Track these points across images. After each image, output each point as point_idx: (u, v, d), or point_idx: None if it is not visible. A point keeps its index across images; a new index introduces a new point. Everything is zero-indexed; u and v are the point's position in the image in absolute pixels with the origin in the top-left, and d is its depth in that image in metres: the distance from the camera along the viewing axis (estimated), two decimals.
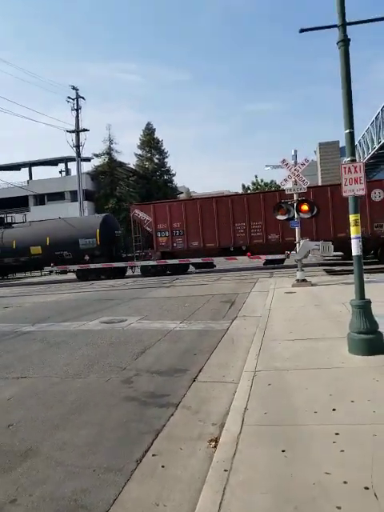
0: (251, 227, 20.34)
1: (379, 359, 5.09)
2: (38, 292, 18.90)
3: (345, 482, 2.72)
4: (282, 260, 19.94)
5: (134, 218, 22.38)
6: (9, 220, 28.56)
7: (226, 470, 2.98)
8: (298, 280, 12.88)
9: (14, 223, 27.72)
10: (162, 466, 3.29)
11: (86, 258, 22.64)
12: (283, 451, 3.17)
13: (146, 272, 22.29)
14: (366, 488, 2.63)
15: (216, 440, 3.63)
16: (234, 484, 2.81)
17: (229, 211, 20.62)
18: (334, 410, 3.84)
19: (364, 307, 5.43)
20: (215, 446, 3.51)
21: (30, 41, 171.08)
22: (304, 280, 12.81)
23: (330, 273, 16.61)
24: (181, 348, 6.86)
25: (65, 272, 24.22)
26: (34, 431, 3.99)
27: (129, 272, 23.77)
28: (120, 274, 23.29)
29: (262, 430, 3.58)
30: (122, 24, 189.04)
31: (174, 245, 21.43)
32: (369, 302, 5.49)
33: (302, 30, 6.77)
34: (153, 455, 3.47)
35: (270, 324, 7.68)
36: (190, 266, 22.71)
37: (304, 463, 3.00)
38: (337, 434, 3.37)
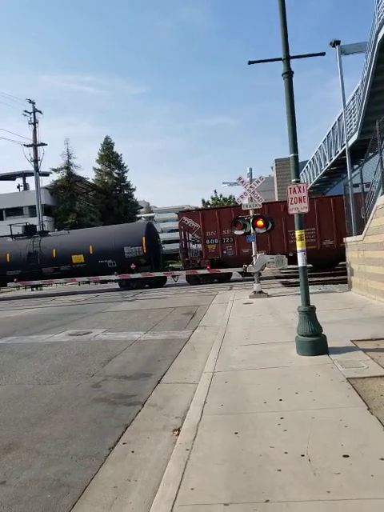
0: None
1: (322, 358, 5.78)
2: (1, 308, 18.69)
3: (285, 452, 3.32)
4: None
5: (181, 226, 22.08)
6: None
7: (187, 450, 3.50)
8: (255, 292, 13.65)
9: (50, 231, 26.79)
10: (132, 452, 3.77)
11: (133, 266, 22.12)
12: (236, 433, 3.74)
13: (194, 280, 21.85)
14: (302, 455, 3.24)
15: (179, 429, 4.15)
16: (194, 459, 3.34)
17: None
18: (280, 400, 4.46)
19: (309, 313, 6.13)
20: (178, 434, 4.02)
21: None
22: (261, 291, 13.60)
23: (286, 285, 17.58)
24: (146, 356, 7.31)
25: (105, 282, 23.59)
26: (13, 429, 4.36)
27: (170, 281, 23.42)
28: (159, 283, 22.93)
29: (219, 418, 4.14)
30: (79, 36, 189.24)
31: (224, 252, 21.36)
32: (313, 308, 6.20)
33: (250, 62, 7.51)
34: (123, 443, 3.94)
35: (229, 332, 8.30)
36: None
37: (253, 441, 3.57)
38: (282, 418, 3.98)
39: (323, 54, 7.51)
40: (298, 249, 6.37)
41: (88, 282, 24.55)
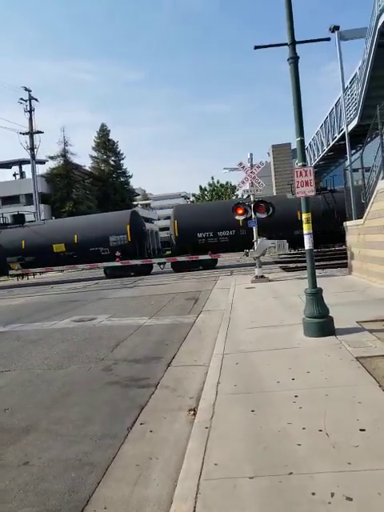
0: None
1: (330, 339, 5.85)
2: (1, 296, 18.67)
3: (303, 428, 3.38)
4: None
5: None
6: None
7: (206, 428, 3.56)
8: (256, 276, 13.72)
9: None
10: (150, 431, 3.82)
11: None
12: (253, 411, 3.80)
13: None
14: (320, 430, 3.30)
15: (194, 410, 4.20)
16: (214, 436, 3.39)
17: None
18: (293, 379, 4.52)
19: (316, 295, 6.18)
20: (194, 414, 4.07)
21: None
22: (262, 276, 13.67)
23: (286, 269, 17.66)
24: (153, 340, 7.36)
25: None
26: (29, 412, 4.41)
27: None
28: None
29: (234, 397, 4.20)
30: (76, 21, 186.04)
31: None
32: (320, 290, 6.25)
33: (256, 47, 7.49)
34: (141, 424, 3.99)
35: (233, 316, 8.36)
36: None
37: (270, 418, 3.63)
38: (296, 396, 4.04)
39: (328, 39, 7.53)
40: (305, 232, 6.39)
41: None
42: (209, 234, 21.57)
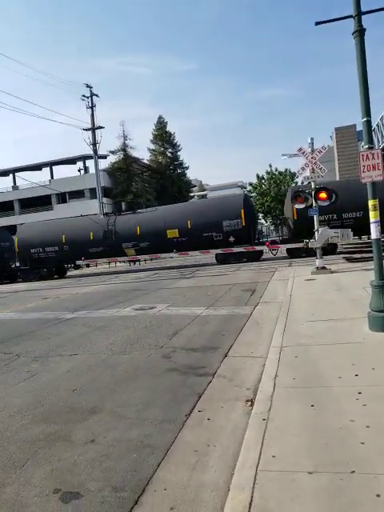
0: None
1: None
2: (68, 285, 19.76)
3: (367, 427, 3.26)
4: None
5: None
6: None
7: (264, 419, 3.55)
8: (317, 267, 13.28)
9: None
10: (208, 419, 3.89)
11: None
12: (312, 406, 3.72)
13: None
14: None
15: (251, 401, 4.20)
16: (271, 428, 3.38)
17: None
18: (356, 375, 4.36)
19: (383, 287, 5.88)
20: (251, 405, 4.07)
21: (41, 41, 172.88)
22: (323, 267, 13.21)
23: (349, 260, 16.93)
24: (210, 330, 7.42)
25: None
26: (95, 394, 4.68)
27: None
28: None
29: (293, 391, 4.14)
30: (128, 18, 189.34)
31: None
32: None
33: (317, 23, 7.07)
34: (199, 411, 4.07)
35: (292, 308, 8.18)
36: None
37: (331, 414, 3.54)
38: (359, 392, 3.89)
39: None
40: (372, 220, 6.08)
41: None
42: (332, 216, 19.98)
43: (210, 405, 4.21)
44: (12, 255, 27.36)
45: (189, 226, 22.23)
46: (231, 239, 21.43)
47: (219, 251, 21.78)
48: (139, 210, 25.30)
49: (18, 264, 27.42)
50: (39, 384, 5.22)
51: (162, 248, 23.05)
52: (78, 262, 25.56)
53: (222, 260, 22.07)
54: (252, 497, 2.52)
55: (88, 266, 27.63)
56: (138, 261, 27.16)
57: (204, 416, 3.95)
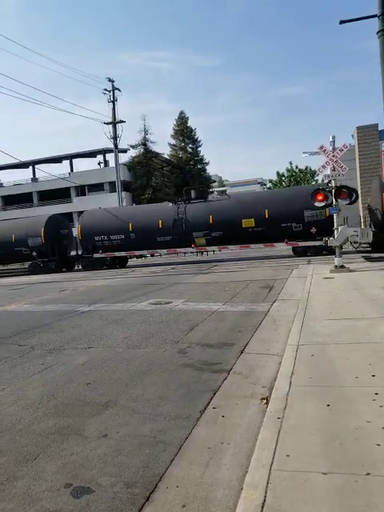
0: None
1: None
2: (85, 278, 19.97)
3: (383, 428, 3.19)
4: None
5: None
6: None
7: (279, 418, 3.50)
8: (336, 266, 13.10)
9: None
10: (223, 416, 3.87)
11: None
12: (328, 405, 3.66)
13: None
14: None
15: (267, 399, 4.16)
16: (286, 427, 3.34)
17: None
18: (373, 375, 4.27)
19: None
20: (267, 403, 4.03)
21: (66, 35, 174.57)
22: (342, 266, 13.01)
23: (369, 259, 16.64)
24: (226, 326, 7.39)
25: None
26: (109, 388, 4.70)
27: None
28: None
29: (308, 389, 4.08)
30: (152, 14, 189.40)
31: None
32: None
33: (342, 22, 7.04)
34: (213, 408, 4.05)
35: (310, 306, 8.08)
36: None
37: (347, 414, 3.47)
38: (376, 393, 3.81)
39: None
40: None
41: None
42: None
43: (225, 402, 4.19)
44: (70, 243, 27.31)
45: (266, 216, 21.01)
46: (313, 230, 20.24)
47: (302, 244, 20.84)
48: (210, 198, 24.56)
49: (79, 252, 26.68)
50: (53, 377, 5.26)
51: (235, 238, 21.87)
52: (138, 253, 24.89)
53: (301, 252, 21.30)
54: (265, 496, 2.49)
55: (152, 255, 26.65)
56: (202, 252, 25.97)
57: (218, 413, 3.93)
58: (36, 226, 26.01)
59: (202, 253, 25.83)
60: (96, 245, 24.82)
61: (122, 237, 24.25)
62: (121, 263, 26.06)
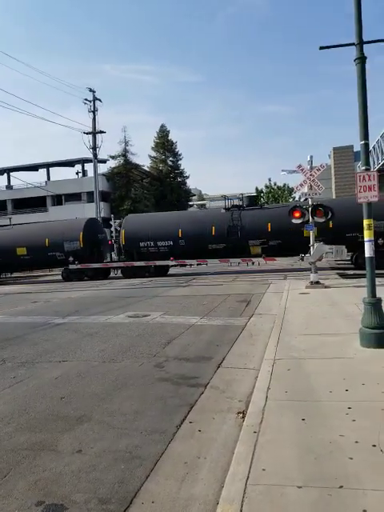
0: None
1: None
2: (61, 289, 19.60)
3: (356, 442, 3.26)
4: None
5: None
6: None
7: (255, 432, 3.53)
8: (311, 282, 13.33)
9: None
10: (199, 431, 3.87)
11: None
12: (303, 420, 3.72)
13: None
14: (374, 445, 3.17)
15: (243, 412, 4.19)
16: (262, 441, 3.37)
17: None
18: (346, 390, 4.37)
19: (375, 305, 5.93)
20: (243, 417, 4.06)
21: (46, 44, 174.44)
22: (318, 282, 13.26)
23: (343, 276, 17.00)
24: (204, 340, 7.41)
25: None
26: (83, 402, 4.62)
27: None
28: None
29: (284, 404, 4.13)
30: (138, 28, 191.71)
31: None
32: (380, 300, 5.98)
33: (321, 48, 7.32)
34: (190, 422, 4.04)
35: (286, 321, 8.19)
36: None
37: (321, 428, 3.54)
38: (349, 408, 3.90)
39: None
40: (366, 238, 6.16)
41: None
42: None
43: (202, 416, 4.19)
44: (106, 248, 25.93)
45: (330, 225, 18.45)
46: (380, 241, 18.29)
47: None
48: (267, 206, 23.39)
49: (122, 257, 24.67)
50: (25, 391, 5.13)
51: (294, 247, 19.23)
52: (188, 262, 22.13)
53: (361, 264, 19.92)
54: (241, 510, 2.50)
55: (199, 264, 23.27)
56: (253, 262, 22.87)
57: (195, 427, 3.93)
58: (74, 229, 24.05)
59: (253, 262, 22.73)
60: (141, 251, 22.85)
61: (170, 243, 22.26)
62: (162, 271, 23.51)
